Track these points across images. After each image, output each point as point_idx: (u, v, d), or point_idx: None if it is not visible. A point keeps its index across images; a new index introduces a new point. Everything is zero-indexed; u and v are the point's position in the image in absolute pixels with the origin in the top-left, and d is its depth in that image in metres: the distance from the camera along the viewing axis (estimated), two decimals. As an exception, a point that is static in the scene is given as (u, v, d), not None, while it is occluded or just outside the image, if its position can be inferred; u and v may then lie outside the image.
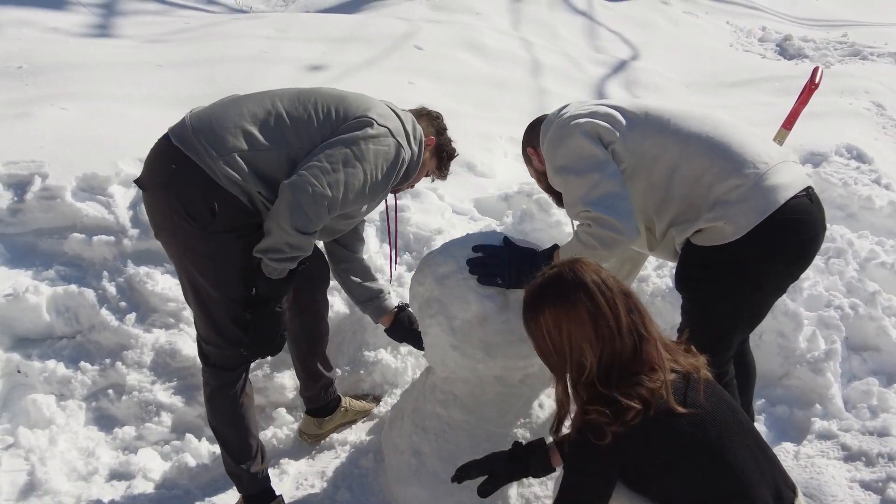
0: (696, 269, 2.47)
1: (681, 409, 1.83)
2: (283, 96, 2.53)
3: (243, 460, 2.66)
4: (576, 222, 2.51)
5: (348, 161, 2.41)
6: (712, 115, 2.54)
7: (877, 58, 7.93)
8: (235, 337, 2.55)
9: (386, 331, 3.08)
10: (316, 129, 2.47)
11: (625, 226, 2.35)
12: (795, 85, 3.85)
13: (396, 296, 3.40)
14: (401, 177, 2.64)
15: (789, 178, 2.37)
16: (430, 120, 2.82)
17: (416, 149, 2.69)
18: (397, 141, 2.53)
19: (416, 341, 2.94)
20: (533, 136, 2.75)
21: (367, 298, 3.00)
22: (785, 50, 8.24)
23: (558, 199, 2.74)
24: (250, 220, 2.44)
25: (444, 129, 2.85)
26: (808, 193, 2.40)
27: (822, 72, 3.73)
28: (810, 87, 3.62)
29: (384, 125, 2.51)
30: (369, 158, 2.45)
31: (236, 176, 2.36)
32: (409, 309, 2.96)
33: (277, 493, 2.76)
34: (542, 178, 2.79)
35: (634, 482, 1.99)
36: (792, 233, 2.35)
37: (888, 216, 4.36)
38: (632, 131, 2.47)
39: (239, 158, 2.37)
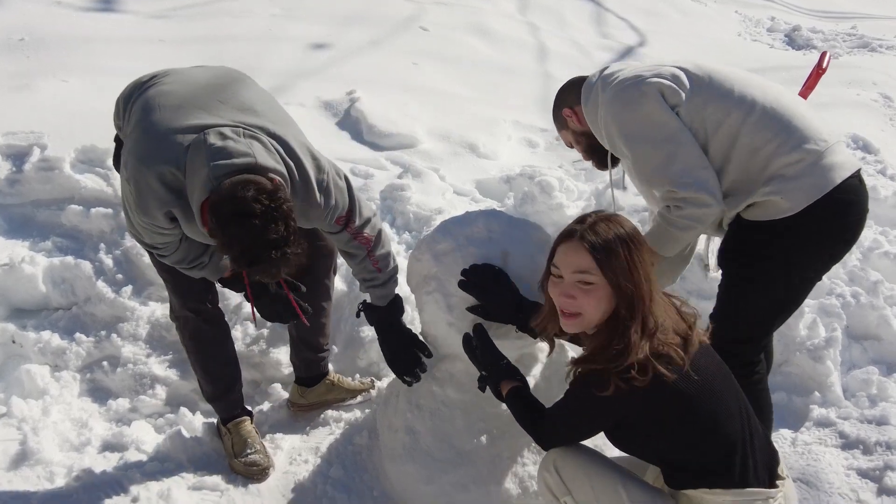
0: (744, 243, 2.43)
1: (674, 377, 1.86)
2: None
3: (210, 393, 2.89)
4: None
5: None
6: (772, 85, 2.47)
7: (885, 50, 7.85)
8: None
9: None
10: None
11: (714, 196, 2.31)
12: (803, 75, 3.79)
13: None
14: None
15: (844, 159, 2.35)
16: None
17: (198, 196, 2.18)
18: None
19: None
20: (571, 97, 2.62)
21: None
22: (793, 41, 8.15)
23: (600, 161, 2.67)
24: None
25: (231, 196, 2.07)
26: (858, 176, 2.38)
27: (829, 57, 3.68)
28: (818, 72, 3.57)
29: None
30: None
31: None
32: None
33: (249, 410, 2.96)
34: (580, 139, 2.67)
35: (622, 440, 2.05)
36: (842, 213, 2.34)
37: (893, 206, 4.33)
38: (695, 95, 2.38)
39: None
